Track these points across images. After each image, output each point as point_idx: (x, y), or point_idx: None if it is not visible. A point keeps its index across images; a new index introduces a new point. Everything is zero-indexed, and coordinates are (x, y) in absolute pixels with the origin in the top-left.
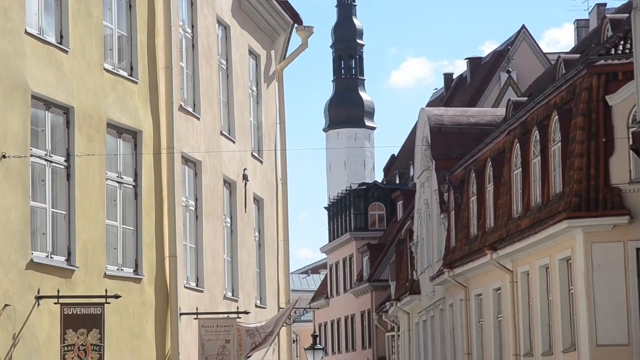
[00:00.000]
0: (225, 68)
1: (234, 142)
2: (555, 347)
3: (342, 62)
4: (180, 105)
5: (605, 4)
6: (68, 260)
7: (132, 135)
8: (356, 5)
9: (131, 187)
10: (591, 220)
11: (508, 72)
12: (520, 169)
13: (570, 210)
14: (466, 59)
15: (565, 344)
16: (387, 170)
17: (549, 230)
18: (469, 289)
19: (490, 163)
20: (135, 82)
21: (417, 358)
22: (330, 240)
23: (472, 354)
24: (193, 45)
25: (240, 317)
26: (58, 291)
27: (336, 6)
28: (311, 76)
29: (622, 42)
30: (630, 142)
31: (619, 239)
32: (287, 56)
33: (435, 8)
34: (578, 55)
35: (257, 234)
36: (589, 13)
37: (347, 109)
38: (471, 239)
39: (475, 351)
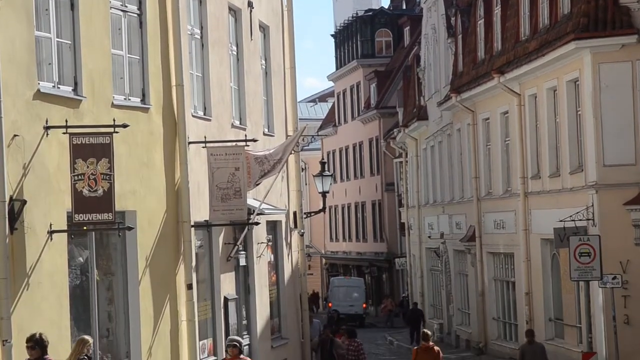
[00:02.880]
0: None
1: None
2: (562, 168)
3: None
4: None
5: None
6: (75, 90)
7: None
8: None
9: (136, 15)
10: (599, 40)
11: None
12: None
13: (578, 31)
14: None
15: (572, 165)
16: None
17: (556, 52)
18: (477, 113)
19: None
20: None
21: (425, 183)
22: (337, 68)
23: (480, 178)
24: None
25: (248, 145)
26: (66, 121)
27: None
28: None
29: None
30: None
31: (627, 59)
32: None
33: None
34: None
35: (263, 62)
36: None
37: None
38: (479, 63)
39: (483, 175)
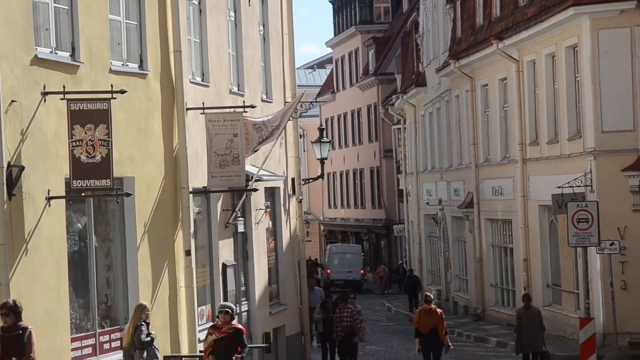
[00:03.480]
0: None
1: None
2: (560, 134)
3: None
4: None
5: None
6: (72, 55)
7: None
8: None
9: None
10: (598, 6)
11: None
12: None
13: None
14: None
15: (570, 131)
16: None
17: (555, 18)
18: (475, 80)
19: None
20: None
21: (424, 150)
22: (335, 35)
23: (478, 145)
24: None
25: (246, 111)
26: (64, 87)
27: None
28: None
29: None
30: None
31: (626, 25)
32: None
33: None
34: None
35: (261, 27)
36: None
37: None
38: (477, 29)
39: (481, 141)
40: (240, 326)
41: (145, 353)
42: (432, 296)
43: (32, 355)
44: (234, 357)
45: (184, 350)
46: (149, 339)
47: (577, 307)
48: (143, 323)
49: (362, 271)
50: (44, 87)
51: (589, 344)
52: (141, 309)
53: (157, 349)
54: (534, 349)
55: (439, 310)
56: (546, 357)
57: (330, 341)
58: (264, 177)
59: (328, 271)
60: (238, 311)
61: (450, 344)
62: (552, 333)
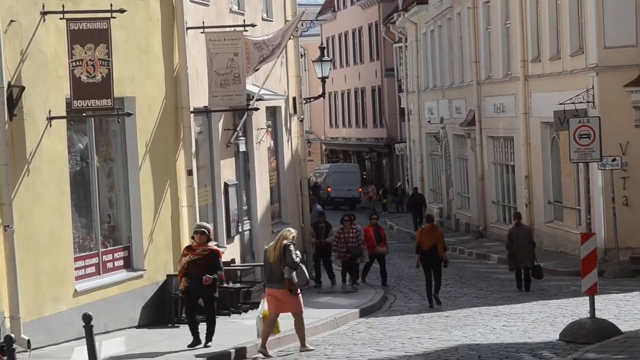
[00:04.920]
0: None
1: None
2: (562, 51)
3: None
4: None
5: None
6: None
7: None
8: None
9: None
10: None
11: None
12: None
13: None
14: None
15: (573, 47)
16: None
17: None
18: None
19: None
20: None
21: (425, 68)
22: None
23: (480, 62)
24: None
25: (247, 30)
26: (63, 6)
27: None
28: None
29: None
30: None
31: None
32: None
33: None
34: None
35: None
36: None
37: None
38: None
39: (483, 59)
40: (215, 247)
41: (295, 272)
42: (434, 215)
43: None
44: (204, 277)
45: None
46: (298, 259)
47: (579, 223)
48: (290, 243)
49: (360, 189)
50: (43, 6)
51: (590, 259)
52: (287, 230)
53: (304, 265)
54: (525, 264)
55: (439, 228)
56: (537, 270)
57: (326, 264)
58: (265, 96)
59: (329, 189)
60: (240, 230)
61: (447, 259)
62: (553, 249)
